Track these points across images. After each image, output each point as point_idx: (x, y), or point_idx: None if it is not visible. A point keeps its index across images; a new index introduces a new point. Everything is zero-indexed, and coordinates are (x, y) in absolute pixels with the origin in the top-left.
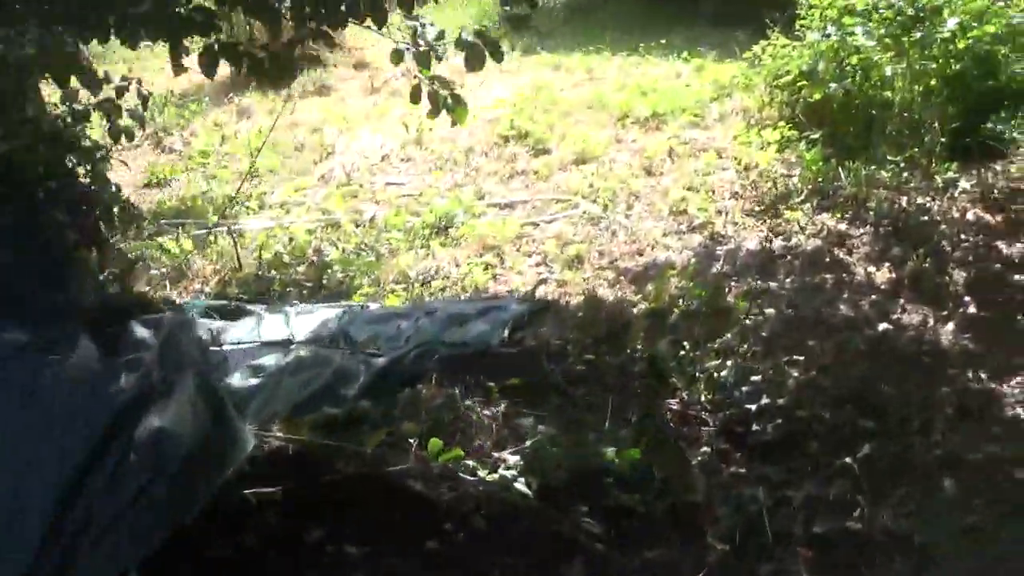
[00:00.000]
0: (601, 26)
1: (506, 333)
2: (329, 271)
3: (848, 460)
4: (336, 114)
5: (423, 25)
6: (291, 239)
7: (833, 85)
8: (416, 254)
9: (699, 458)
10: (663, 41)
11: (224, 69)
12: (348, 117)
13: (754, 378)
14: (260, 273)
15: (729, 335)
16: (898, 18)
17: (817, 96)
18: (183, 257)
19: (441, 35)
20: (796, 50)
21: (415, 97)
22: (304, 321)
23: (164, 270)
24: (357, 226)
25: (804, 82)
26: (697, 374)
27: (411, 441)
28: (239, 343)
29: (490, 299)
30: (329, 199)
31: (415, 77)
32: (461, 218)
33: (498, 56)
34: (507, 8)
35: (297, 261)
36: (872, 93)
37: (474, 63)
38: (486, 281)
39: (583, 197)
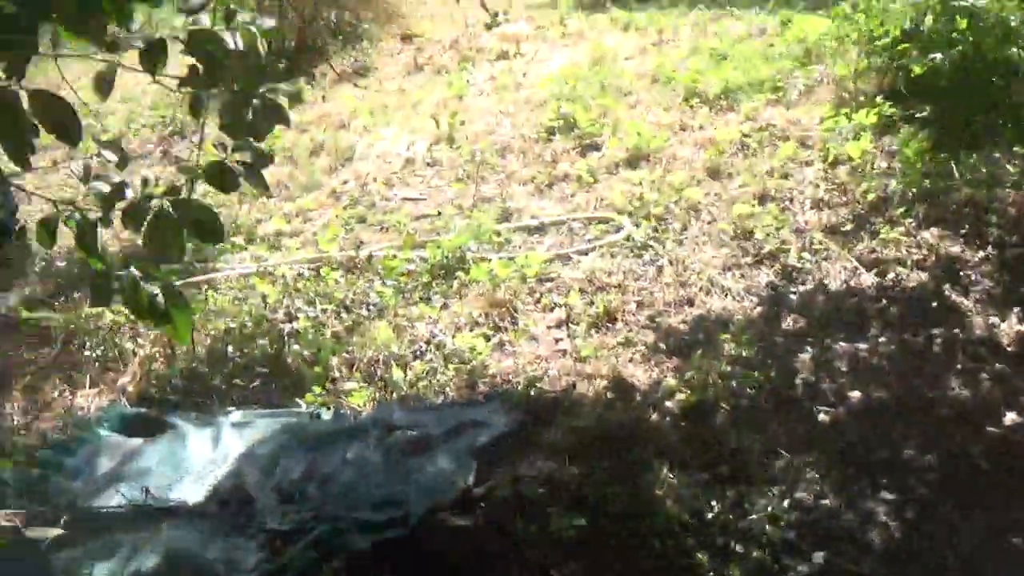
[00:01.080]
0: None
1: (471, 478)
2: (293, 348)
3: None
4: (367, 104)
5: None
6: (263, 297)
7: (938, 55)
8: (408, 314)
9: None
10: None
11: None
12: (378, 108)
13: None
14: (210, 354)
15: (791, 456)
16: None
17: (919, 70)
18: (116, 330)
19: None
20: (897, 2)
21: None
22: (237, 438)
23: (95, 350)
24: (349, 271)
25: (905, 45)
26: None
27: None
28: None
29: (470, 404)
30: (330, 227)
31: None
32: (475, 253)
33: None
34: None
35: (260, 332)
36: (995, 58)
37: None
38: (487, 354)
39: (629, 214)
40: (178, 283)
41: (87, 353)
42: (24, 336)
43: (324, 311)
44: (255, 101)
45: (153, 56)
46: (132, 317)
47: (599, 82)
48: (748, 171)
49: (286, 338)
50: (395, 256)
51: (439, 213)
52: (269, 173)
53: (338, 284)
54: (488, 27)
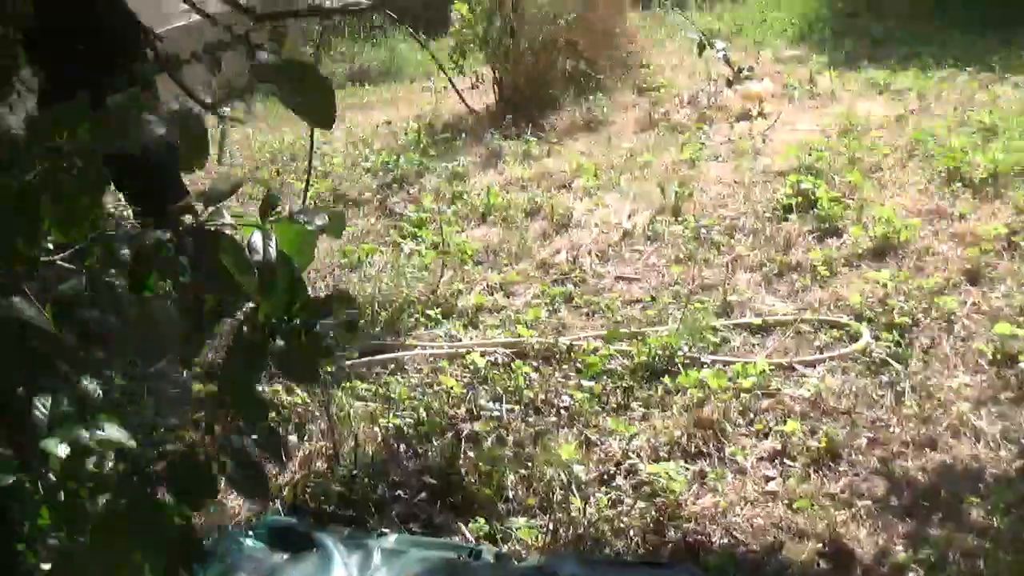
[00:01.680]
0: (960, 23)
1: None
2: (468, 456)
3: None
4: (593, 162)
5: None
6: (446, 392)
7: None
8: (601, 425)
9: None
10: None
11: (487, 96)
12: (604, 168)
13: None
14: (377, 456)
15: None
16: None
17: None
18: (284, 417)
19: None
20: None
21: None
22: (386, 571)
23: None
24: (546, 361)
25: None
26: None
27: None
28: None
29: (653, 565)
30: (533, 307)
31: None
32: (686, 353)
33: None
34: None
35: (437, 431)
36: None
37: None
38: (683, 487)
39: (868, 321)
40: (363, 360)
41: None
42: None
43: (511, 411)
44: None
45: None
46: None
47: (847, 155)
48: (1015, 277)
49: (463, 442)
50: (597, 350)
51: (653, 299)
52: (480, 236)
53: (529, 380)
54: (729, 83)
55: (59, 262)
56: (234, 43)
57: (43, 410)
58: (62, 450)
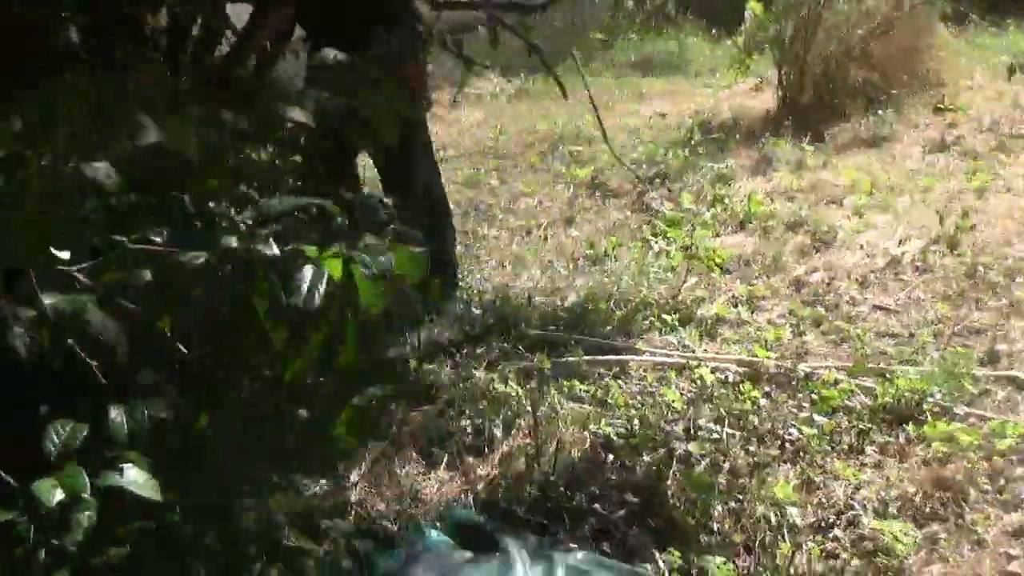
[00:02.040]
0: None
1: None
2: (677, 477)
3: None
4: (869, 180)
5: None
6: (666, 404)
7: None
8: (828, 466)
9: None
10: None
11: (768, 100)
12: (880, 188)
13: None
14: (580, 462)
15: None
16: None
17: None
18: (496, 406)
19: None
20: None
21: None
22: None
23: (472, 421)
24: (780, 385)
25: None
26: None
27: None
28: None
29: None
30: (776, 326)
31: None
32: (936, 400)
33: None
34: None
35: (649, 446)
36: None
37: None
38: (911, 550)
39: None
40: (586, 359)
41: (463, 423)
42: (415, 387)
43: (732, 436)
44: None
45: None
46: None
47: None
48: None
49: (674, 463)
50: (837, 383)
51: (911, 335)
52: (734, 243)
53: (758, 405)
54: None
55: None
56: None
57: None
58: (56, 495)
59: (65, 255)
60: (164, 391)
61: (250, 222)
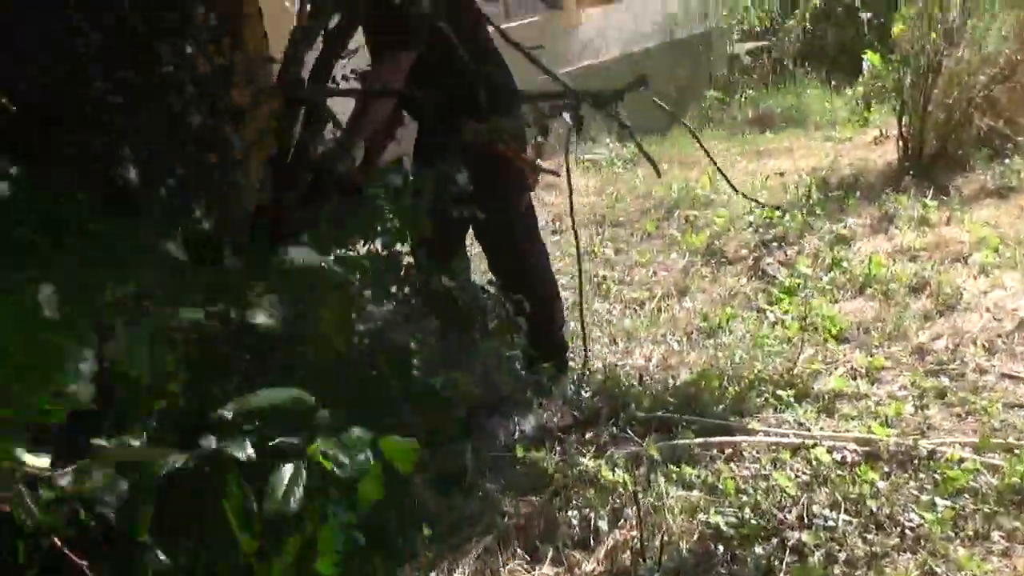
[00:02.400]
0: None
1: None
2: (786, 573)
3: None
4: (998, 235)
5: None
6: (779, 489)
7: None
8: (951, 555)
9: None
10: None
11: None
12: (1009, 243)
13: None
14: (690, 558)
15: None
16: None
17: None
18: (602, 496)
19: None
20: None
21: None
22: None
23: (579, 511)
24: (901, 464)
25: None
26: None
27: None
28: None
29: None
30: (896, 400)
31: None
32: None
33: None
34: None
35: (759, 536)
36: None
37: None
38: None
39: None
40: (697, 441)
41: (570, 514)
42: (523, 473)
43: (848, 523)
44: None
45: None
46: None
47: None
48: None
49: (787, 553)
50: (962, 461)
51: None
52: (852, 309)
53: (876, 489)
54: None
55: None
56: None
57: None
58: None
59: (44, 462)
60: None
61: (230, 416)
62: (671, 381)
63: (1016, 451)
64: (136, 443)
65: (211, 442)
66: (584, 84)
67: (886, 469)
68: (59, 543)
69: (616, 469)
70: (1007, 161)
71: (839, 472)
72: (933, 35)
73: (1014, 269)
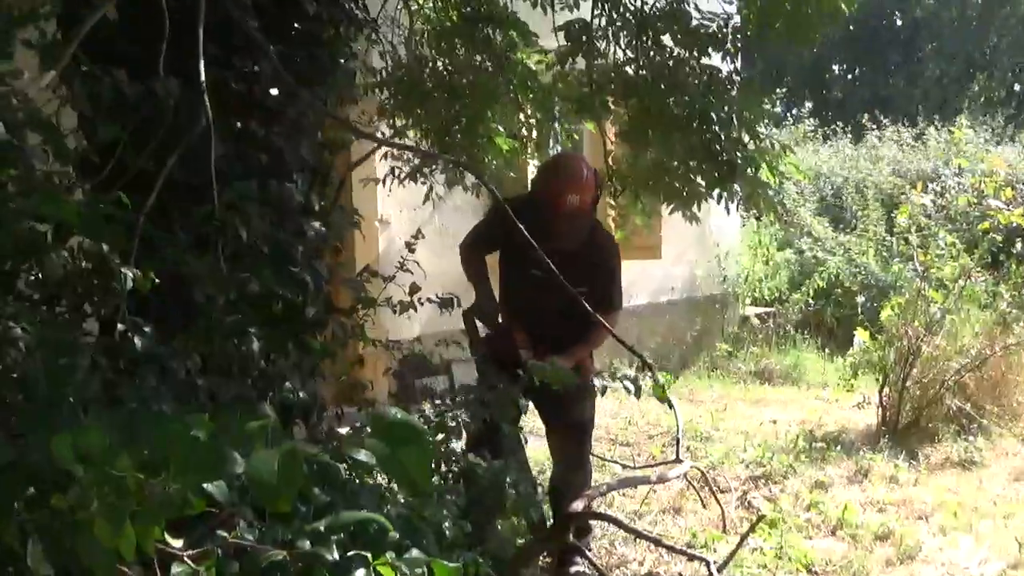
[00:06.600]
0: None
1: None
2: None
3: None
4: (956, 501)
5: None
6: None
7: None
8: None
9: None
10: None
11: (870, 417)
12: (966, 510)
13: None
14: None
15: None
16: None
17: None
18: None
19: None
20: None
21: None
22: None
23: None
24: None
25: None
26: None
27: None
28: None
29: None
30: None
31: None
32: None
33: None
34: None
35: None
36: None
37: None
38: None
39: None
40: None
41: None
42: None
43: None
44: None
45: None
46: None
47: None
48: None
49: None
50: None
51: None
52: (824, 547)
53: None
54: None
55: None
56: None
57: None
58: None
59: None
60: None
61: (322, 528)
62: None
63: None
64: (251, 538)
65: (306, 544)
66: None
67: None
68: None
69: None
70: (971, 439)
71: None
72: (916, 323)
73: (968, 532)
